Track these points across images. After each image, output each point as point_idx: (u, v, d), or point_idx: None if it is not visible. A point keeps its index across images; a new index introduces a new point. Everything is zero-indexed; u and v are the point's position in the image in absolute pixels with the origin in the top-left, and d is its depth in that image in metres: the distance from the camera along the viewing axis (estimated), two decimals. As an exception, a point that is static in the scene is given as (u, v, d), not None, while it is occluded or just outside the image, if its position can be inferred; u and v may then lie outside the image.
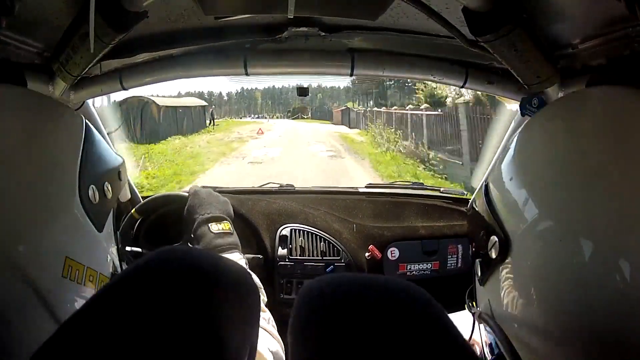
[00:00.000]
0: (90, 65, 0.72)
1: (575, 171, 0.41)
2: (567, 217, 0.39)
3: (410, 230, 1.34)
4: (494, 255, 0.47)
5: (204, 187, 1.07)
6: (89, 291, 0.53)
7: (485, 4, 0.56)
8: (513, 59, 0.66)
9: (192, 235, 0.92)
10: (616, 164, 0.38)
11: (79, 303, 0.51)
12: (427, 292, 0.38)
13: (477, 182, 1.32)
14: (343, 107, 25.79)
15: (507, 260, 0.46)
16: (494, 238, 0.47)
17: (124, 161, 0.67)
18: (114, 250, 0.64)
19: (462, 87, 0.94)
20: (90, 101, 1.02)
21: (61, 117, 0.58)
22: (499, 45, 0.61)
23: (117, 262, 0.65)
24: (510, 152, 0.51)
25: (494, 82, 0.91)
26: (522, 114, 0.86)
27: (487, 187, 0.53)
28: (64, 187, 0.52)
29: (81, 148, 0.55)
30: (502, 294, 0.47)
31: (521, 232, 0.44)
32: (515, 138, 0.52)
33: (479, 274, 0.53)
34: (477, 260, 0.54)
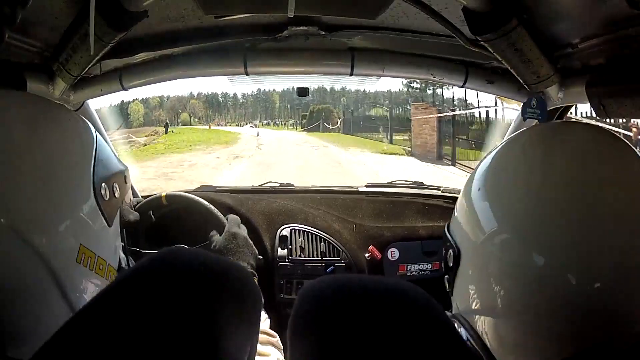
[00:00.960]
0: (90, 65, 0.72)
1: (540, 195, 0.46)
2: (523, 230, 0.45)
3: (410, 230, 1.34)
4: (450, 264, 0.54)
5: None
6: (98, 278, 0.58)
7: (485, 4, 0.56)
8: (513, 58, 0.66)
9: None
10: (574, 195, 0.44)
11: (89, 288, 0.57)
12: (428, 292, 0.38)
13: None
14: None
15: (460, 268, 0.53)
16: (450, 251, 0.55)
17: (127, 168, 0.72)
18: (119, 245, 0.69)
19: (462, 86, 0.94)
20: (90, 101, 1.02)
21: (77, 125, 0.65)
22: (499, 44, 0.61)
23: (122, 257, 0.70)
24: (486, 164, 0.56)
25: (494, 81, 0.91)
26: (524, 119, 0.87)
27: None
28: (82, 182, 0.57)
29: (94, 151, 0.61)
30: (464, 299, 0.54)
31: (475, 239, 0.50)
32: (491, 154, 0.56)
33: (447, 286, 0.59)
34: (445, 276, 0.60)
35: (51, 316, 0.52)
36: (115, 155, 0.70)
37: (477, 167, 0.56)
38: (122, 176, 0.68)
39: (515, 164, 0.53)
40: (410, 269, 1.31)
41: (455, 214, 0.57)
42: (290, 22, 0.78)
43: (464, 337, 0.53)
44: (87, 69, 0.73)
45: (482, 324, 0.50)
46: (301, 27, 0.79)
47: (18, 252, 0.48)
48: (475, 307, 0.51)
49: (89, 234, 0.57)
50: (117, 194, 0.64)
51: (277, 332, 0.75)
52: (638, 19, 0.50)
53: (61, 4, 0.60)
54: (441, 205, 1.37)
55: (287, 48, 0.89)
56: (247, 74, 0.91)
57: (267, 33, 0.81)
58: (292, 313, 0.39)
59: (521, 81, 0.75)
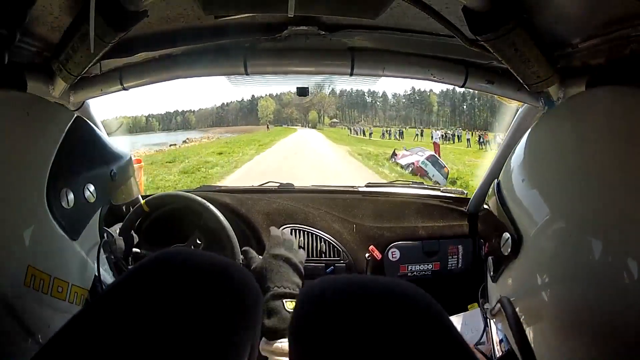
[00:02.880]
0: (90, 65, 0.72)
1: (582, 172, 0.43)
2: (577, 217, 0.42)
3: (410, 230, 1.34)
4: (506, 253, 0.49)
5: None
6: (56, 302, 0.49)
7: (485, 4, 0.56)
8: (513, 58, 0.66)
9: None
10: (622, 165, 0.41)
11: (47, 313, 0.48)
12: (428, 293, 0.38)
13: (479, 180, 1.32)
14: None
15: (519, 257, 0.48)
16: (507, 235, 0.49)
17: (128, 158, 0.60)
18: (94, 259, 0.57)
19: (462, 86, 0.94)
20: (90, 101, 1.02)
21: (37, 115, 0.52)
22: (499, 44, 0.61)
23: (106, 272, 0.58)
24: (520, 153, 0.54)
25: (494, 81, 0.91)
26: None
27: (499, 186, 0.56)
28: (28, 190, 0.47)
29: (57, 147, 0.50)
30: (514, 289, 0.49)
31: (533, 230, 0.46)
32: (524, 139, 0.54)
33: (492, 271, 0.55)
34: (490, 257, 0.56)
35: (9, 344, 0.44)
36: (112, 146, 0.58)
37: (510, 158, 0.54)
38: (105, 174, 0.56)
39: (551, 145, 0.50)
40: (411, 269, 1.31)
41: (507, 201, 0.53)
42: (290, 22, 0.78)
43: (501, 338, 0.50)
44: (87, 68, 0.73)
45: (530, 311, 0.47)
46: (301, 27, 0.79)
47: None
48: (524, 305, 0.48)
49: (40, 252, 0.47)
50: (90, 198, 0.53)
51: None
52: (638, 19, 0.50)
53: (61, 4, 0.60)
54: (441, 205, 1.37)
55: (287, 48, 0.89)
56: (247, 73, 0.92)
57: (267, 33, 0.81)
58: (293, 315, 0.39)
59: (521, 81, 0.75)
